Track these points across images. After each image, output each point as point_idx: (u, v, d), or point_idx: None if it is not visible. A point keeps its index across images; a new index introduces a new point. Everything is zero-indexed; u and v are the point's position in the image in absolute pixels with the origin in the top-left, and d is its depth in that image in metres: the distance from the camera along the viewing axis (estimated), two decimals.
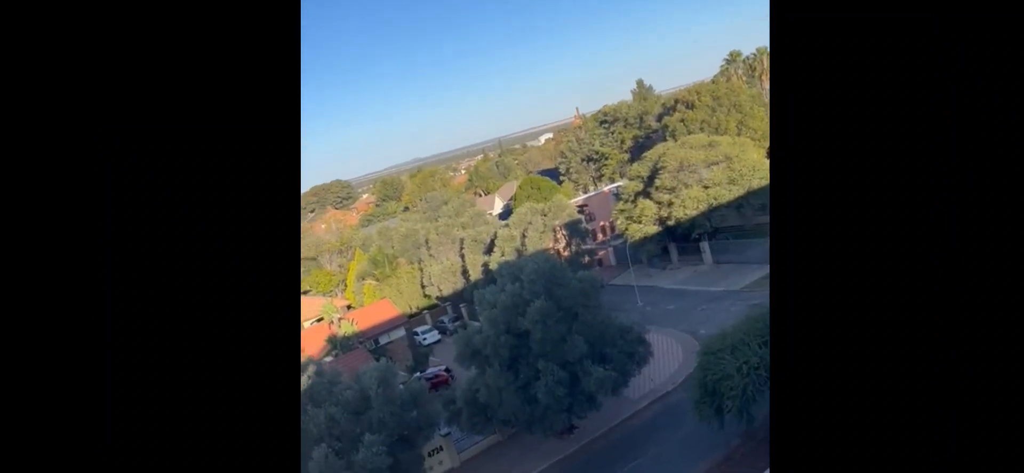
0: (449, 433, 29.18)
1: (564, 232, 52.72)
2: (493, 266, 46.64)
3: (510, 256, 47.48)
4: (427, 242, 56.44)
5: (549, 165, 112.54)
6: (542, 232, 51.19)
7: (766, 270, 39.81)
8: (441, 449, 29.24)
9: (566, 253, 51.63)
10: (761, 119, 63.32)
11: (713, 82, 73.38)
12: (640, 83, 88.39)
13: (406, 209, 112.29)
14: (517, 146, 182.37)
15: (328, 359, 38.14)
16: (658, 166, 47.54)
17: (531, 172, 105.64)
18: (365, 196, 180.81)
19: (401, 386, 25.33)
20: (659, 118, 76.48)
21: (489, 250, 52.18)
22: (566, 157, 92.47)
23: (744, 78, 74.67)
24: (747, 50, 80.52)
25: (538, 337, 24.76)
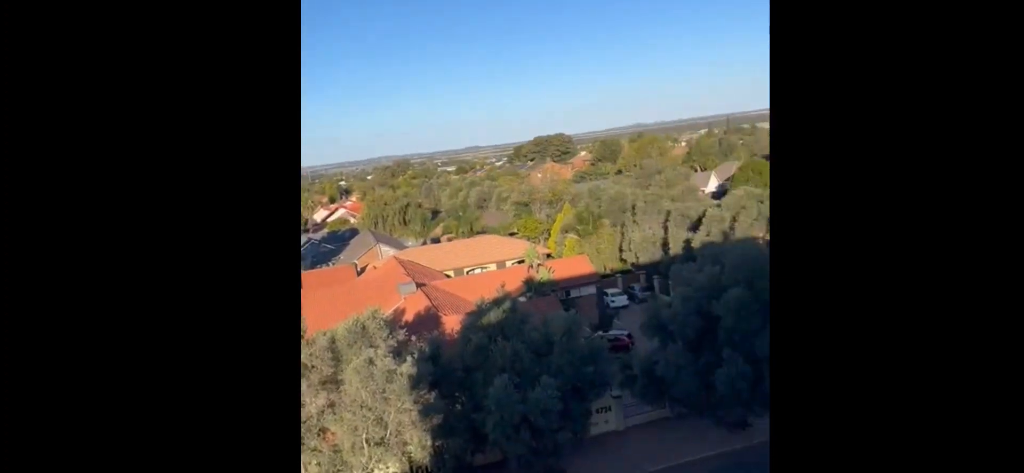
0: (620, 396, 29.48)
1: None
2: (696, 244, 46.29)
3: (715, 238, 46.33)
4: (634, 208, 56.41)
5: None
6: (755, 219, 48.50)
7: None
8: (609, 409, 29.56)
9: None
10: None
11: None
12: None
13: (619, 172, 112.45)
14: (746, 126, 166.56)
15: (522, 299, 39.16)
16: None
17: (756, 155, 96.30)
18: (583, 154, 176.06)
19: (583, 340, 26.29)
20: None
21: (695, 227, 50.90)
22: None
23: None
24: None
25: (729, 325, 24.27)
